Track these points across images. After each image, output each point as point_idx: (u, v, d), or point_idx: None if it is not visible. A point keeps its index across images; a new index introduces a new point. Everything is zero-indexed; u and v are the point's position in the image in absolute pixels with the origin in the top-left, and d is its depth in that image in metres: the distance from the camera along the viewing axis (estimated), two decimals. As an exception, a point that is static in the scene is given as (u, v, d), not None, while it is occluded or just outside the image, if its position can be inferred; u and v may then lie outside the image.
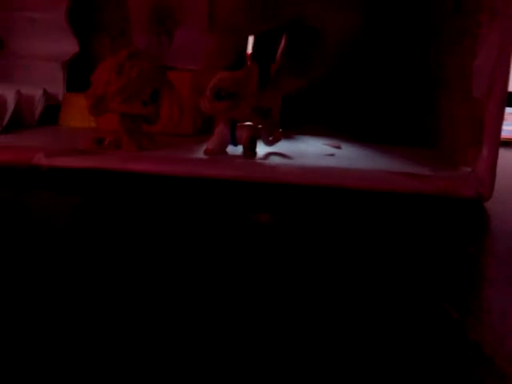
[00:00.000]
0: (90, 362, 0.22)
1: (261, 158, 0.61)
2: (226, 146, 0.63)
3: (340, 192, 0.53)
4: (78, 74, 0.90)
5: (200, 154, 0.62)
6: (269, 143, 0.66)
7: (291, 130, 0.84)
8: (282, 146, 0.69)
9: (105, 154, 0.59)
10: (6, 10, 0.87)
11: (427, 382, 0.21)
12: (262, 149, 0.67)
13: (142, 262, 0.34)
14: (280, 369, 0.22)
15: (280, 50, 0.67)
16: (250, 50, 0.85)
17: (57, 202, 0.50)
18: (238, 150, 0.64)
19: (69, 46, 0.88)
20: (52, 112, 0.87)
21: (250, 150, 0.62)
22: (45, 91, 0.85)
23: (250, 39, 0.93)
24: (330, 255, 0.36)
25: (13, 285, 0.30)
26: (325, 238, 0.40)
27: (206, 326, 0.26)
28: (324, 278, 0.32)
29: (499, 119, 0.49)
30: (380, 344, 0.24)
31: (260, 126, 0.65)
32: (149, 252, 0.36)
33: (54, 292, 0.29)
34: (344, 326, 0.26)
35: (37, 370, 0.21)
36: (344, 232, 0.42)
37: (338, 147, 0.69)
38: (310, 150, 0.68)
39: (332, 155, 0.64)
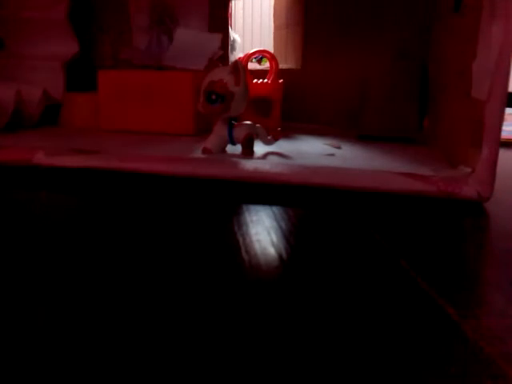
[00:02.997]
0: (83, 358, 0.22)
1: (260, 158, 0.61)
2: (224, 145, 0.63)
3: (339, 192, 0.52)
4: (77, 74, 0.91)
5: (198, 153, 0.62)
6: (267, 142, 0.66)
7: (291, 130, 0.84)
8: (282, 146, 0.69)
9: (104, 154, 0.59)
10: (6, 10, 0.87)
11: (427, 382, 0.21)
12: (261, 148, 0.67)
13: (140, 261, 0.34)
14: (278, 370, 0.22)
15: None
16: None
17: (56, 202, 0.50)
18: (237, 149, 0.63)
19: (69, 46, 0.88)
20: (52, 112, 0.87)
21: (248, 149, 0.62)
22: (45, 91, 0.85)
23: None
24: (329, 255, 0.36)
25: (11, 283, 0.30)
26: (324, 239, 0.40)
27: (204, 324, 0.26)
28: (322, 277, 0.32)
29: (499, 119, 0.48)
30: (380, 344, 0.24)
31: (258, 125, 0.65)
32: (146, 252, 0.36)
33: (52, 290, 0.29)
34: (343, 326, 0.26)
35: (36, 370, 0.21)
36: (343, 232, 0.42)
37: (338, 147, 0.69)
38: (310, 150, 0.67)
39: (332, 155, 0.64)
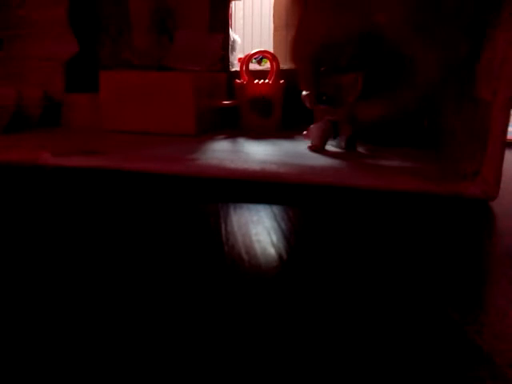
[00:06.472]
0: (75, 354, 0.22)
1: (261, 159, 0.61)
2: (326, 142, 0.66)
3: (344, 192, 0.52)
4: (77, 73, 0.90)
5: (199, 153, 0.62)
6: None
7: (293, 130, 0.84)
8: (285, 146, 0.69)
9: (110, 154, 0.59)
10: (5, 10, 0.87)
11: (427, 382, 0.21)
12: (262, 148, 0.67)
13: (140, 261, 0.34)
14: (278, 370, 0.22)
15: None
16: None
17: (61, 201, 0.50)
18: (240, 148, 0.63)
19: (69, 46, 0.88)
20: (52, 112, 0.87)
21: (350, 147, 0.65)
22: (45, 91, 0.85)
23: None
24: (332, 254, 0.36)
25: (12, 282, 0.30)
26: (327, 238, 0.40)
27: (203, 324, 0.25)
28: (323, 277, 0.32)
29: (505, 119, 0.48)
30: (380, 344, 0.24)
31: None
32: (145, 252, 0.36)
33: (55, 290, 0.29)
34: (342, 324, 0.26)
35: (36, 370, 0.21)
36: (347, 232, 0.42)
37: (342, 147, 0.68)
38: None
39: (336, 155, 0.63)
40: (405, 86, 0.55)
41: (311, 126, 0.68)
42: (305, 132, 0.69)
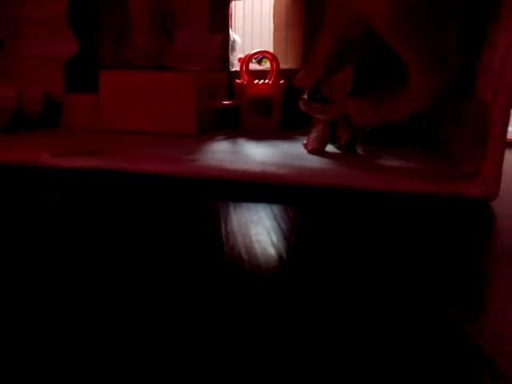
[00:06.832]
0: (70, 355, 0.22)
1: (261, 160, 0.61)
2: (326, 144, 0.66)
3: (344, 192, 0.52)
4: (78, 74, 0.90)
5: (199, 154, 0.62)
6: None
7: (293, 130, 0.84)
8: (285, 147, 0.69)
9: (111, 155, 0.59)
10: (5, 10, 0.87)
11: (428, 382, 0.21)
12: (259, 149, 0.67)
13: (138, 262, 0.34)
14: (278, 371, 0.22)
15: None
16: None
17: (61, 201, 0.50)
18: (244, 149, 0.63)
19: (69, 46, 0.88)
20: (52, 112, 0.87)
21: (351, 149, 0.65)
22: (45, 91, 0.85)
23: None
24: (332, 254, 0.36)
25: (11, 284, 0.30)
26: (327, 239, 0.40)
27: (202, 325, 0.25)
28: (323, 277, 0.32)
29: (505, 119, 0.48)
30: (380, 344, 0.24)
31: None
32: (144, 253, 0.36)
33: (54, 290, 0.29)
34: (342, 325, 0.26)
35: (36, 370, 0.21)
36: (347, 233, 0.42)
37: (342, 148, 0.68)
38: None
39: (336, 156, 0.63)
40: (399, 99, 0.55)
41: (309, 134, 0.68)
42: (305, 141, 0.69)
